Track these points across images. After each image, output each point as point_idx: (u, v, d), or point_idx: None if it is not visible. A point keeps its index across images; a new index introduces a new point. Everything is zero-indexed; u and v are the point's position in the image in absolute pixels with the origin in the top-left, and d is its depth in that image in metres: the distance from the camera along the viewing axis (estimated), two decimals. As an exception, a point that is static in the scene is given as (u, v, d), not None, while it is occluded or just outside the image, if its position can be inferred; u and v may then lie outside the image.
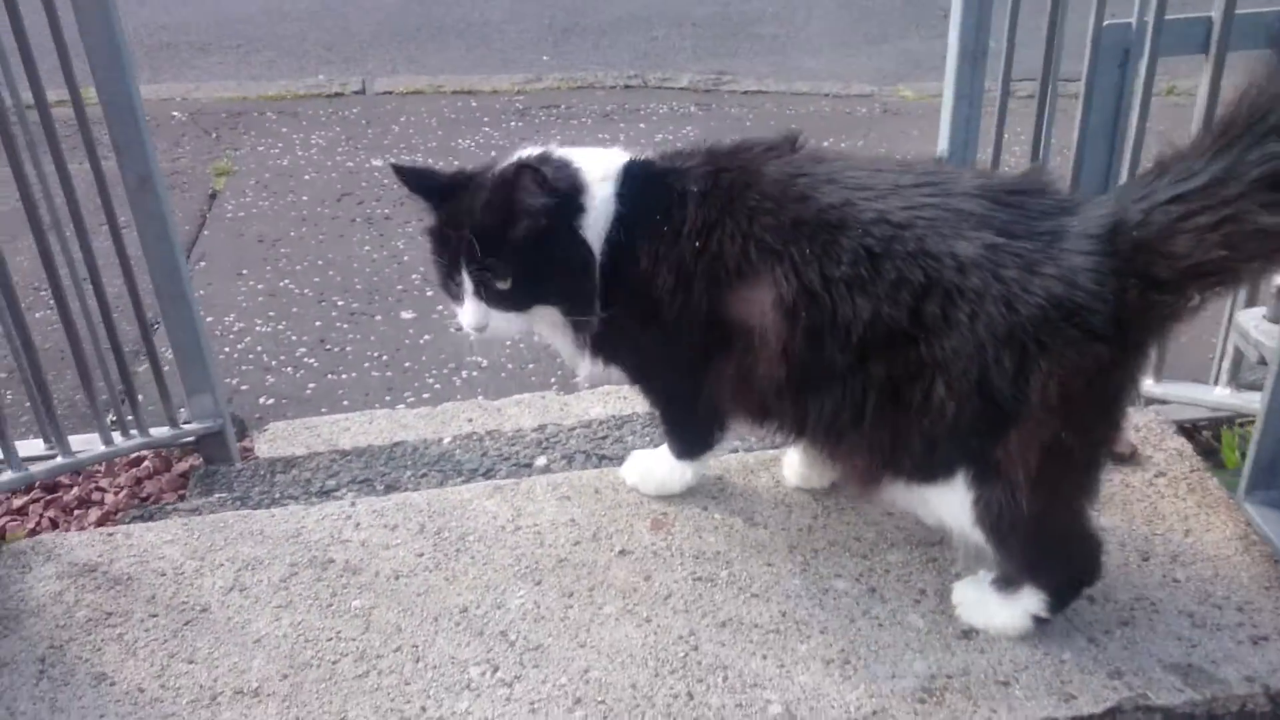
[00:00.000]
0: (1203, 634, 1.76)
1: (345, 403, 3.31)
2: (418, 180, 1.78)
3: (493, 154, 1.79)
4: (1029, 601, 1.72)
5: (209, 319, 3.58)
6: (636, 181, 1.74)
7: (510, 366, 3.42)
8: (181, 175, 4.74)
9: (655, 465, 2.08)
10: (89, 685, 1.77)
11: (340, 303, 3.86)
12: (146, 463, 2.72)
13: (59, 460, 2.38)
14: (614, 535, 2.01)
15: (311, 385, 3.42)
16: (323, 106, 5.52)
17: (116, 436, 2.49)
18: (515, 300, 1.73)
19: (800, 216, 1.58)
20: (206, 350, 2.53)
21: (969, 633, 1.78)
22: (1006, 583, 1.74)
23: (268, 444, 2.89)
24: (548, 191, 1.66)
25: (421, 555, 1.99)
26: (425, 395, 3.34)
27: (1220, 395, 2.37)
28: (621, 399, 2.89)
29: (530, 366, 3.41)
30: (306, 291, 3.93)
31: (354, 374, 3.47)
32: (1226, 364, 2.37)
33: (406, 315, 3.76)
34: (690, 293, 1.67)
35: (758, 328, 1.60)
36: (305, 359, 3.55)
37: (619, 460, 2.23)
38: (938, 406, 1.51)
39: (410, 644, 1.80)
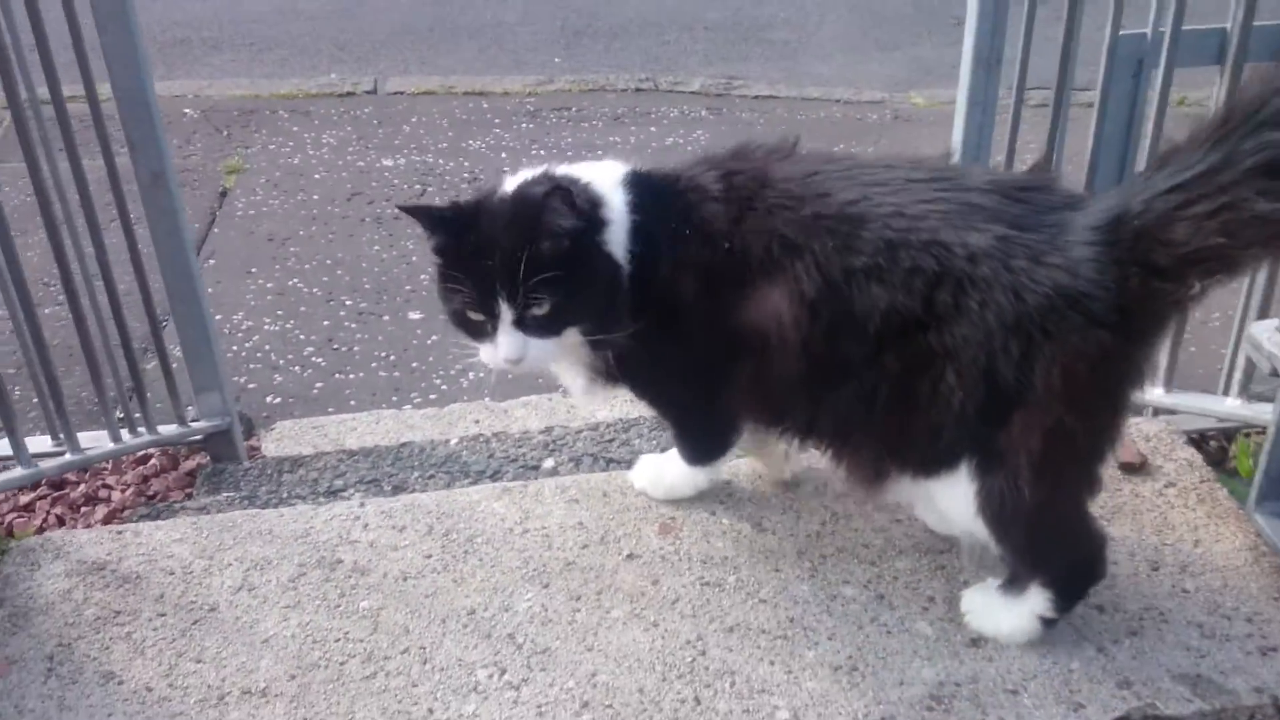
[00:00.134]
0: (1212, 644, 1.76)
1: (352, 403, 3.32)
2: (427, 216, 1.68)
3: (481, 181, 1.75)
4: (1035, 602, 1.72)
5: (217, 317, 3.58)
6: (646, 191, 1.74)
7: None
8: (192, 173, 4.74)
9: (665, 469, 2.07)
10: (97, 684, 1.77)
11: (349, 302, 3.86)
12: (153, 461, 2.72)
13: (68, 457, 2.39)
14: (622, 539, 2.01)
15: (319, 385, 3.42)
16: (334, 106, 5.52)
17: (124, 434, 2.49)
18: (551, 325, 1.67)
19: (821, 211, 1.59)
20: (215, 348, 2.54)
21: (977, 641, 1.77)
22: (1013, 583, 1.75)
23: (275, 443, 2.89)
24: (577, 211, 1.63)
25: (430, 557, 1.98)
26: (432, 396, 3.34)
27: (1231, 406, 2.36)
28: (627, 402, 2.88)
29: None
30: (315, 291, 3.94)
31: (361, 374, 3.47)
32: (1238, 375, 2.36)
33: (414, 316, 3.77)
34: (718, 294, 1.66)
35: (780, 323, 1.60)
36: (313, 358, 3.55)
37: (626, 464, 2.23)
38: (945, 395, 1.53)
39: (418, 645, 1.80)
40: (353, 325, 3.73)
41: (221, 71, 5.94)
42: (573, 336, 1.72)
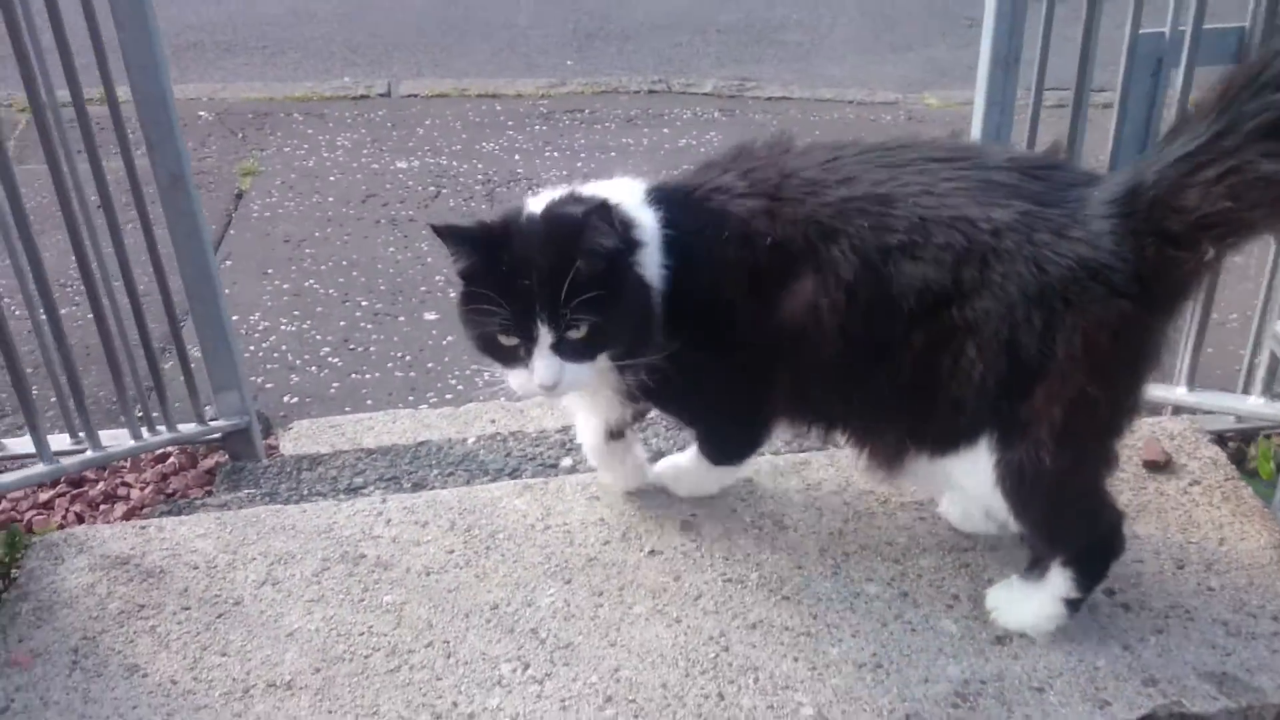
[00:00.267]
0: (1237, 642, 1.75)
1: (369, 402, 3.32)
2: (456, 236, 1.63)
3: (509, 205, 1.69)
4: (1057, 584, 1.72)
5: (234, 317, 3.59)
6: (673, 204, 1.71)
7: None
8: (208, 175, 4.76)
9: (688, 467, 2.05)
10: (122, 676, 1.77)
11: (364, 303, 3.87)
12: (172, 459, 2.73)
13: (89, 454, 2.39)
14: (644, 535, 2.01)
15: (335, 385, 3.43)
16: (348, 108, 5.54)
17: (144, 432, 2.50)
18: (587, 349, 1.62)
19: (851, 194, 1.60)
20: (234, 348, 2.55)
21: (1003, 638, 1.77)
22: (1034, 568, 1.75)
23: (292, 442, 2.90)
24: (616, 232, 1.60)
25: (452, 552, 1.99)
26: (448, 396, 3.35)
27: (1254, 405, 2.35)
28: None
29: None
30: (331, 292, 3.95)
31: (377, 374, 3.47)
32: (1259, 374, 2.35)
33: (430, 316, 3.77)
34: (763, 290, 1.65)
35: (819, 310, 1.60)
36: (329, 358, 3.56)
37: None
38: (966, 369, 1.54)
39: (441, 640, 1.81)
40: (368, 326, 3.74)
41: (235, 74, 5.96)
42: (603, 362, 1.68)
